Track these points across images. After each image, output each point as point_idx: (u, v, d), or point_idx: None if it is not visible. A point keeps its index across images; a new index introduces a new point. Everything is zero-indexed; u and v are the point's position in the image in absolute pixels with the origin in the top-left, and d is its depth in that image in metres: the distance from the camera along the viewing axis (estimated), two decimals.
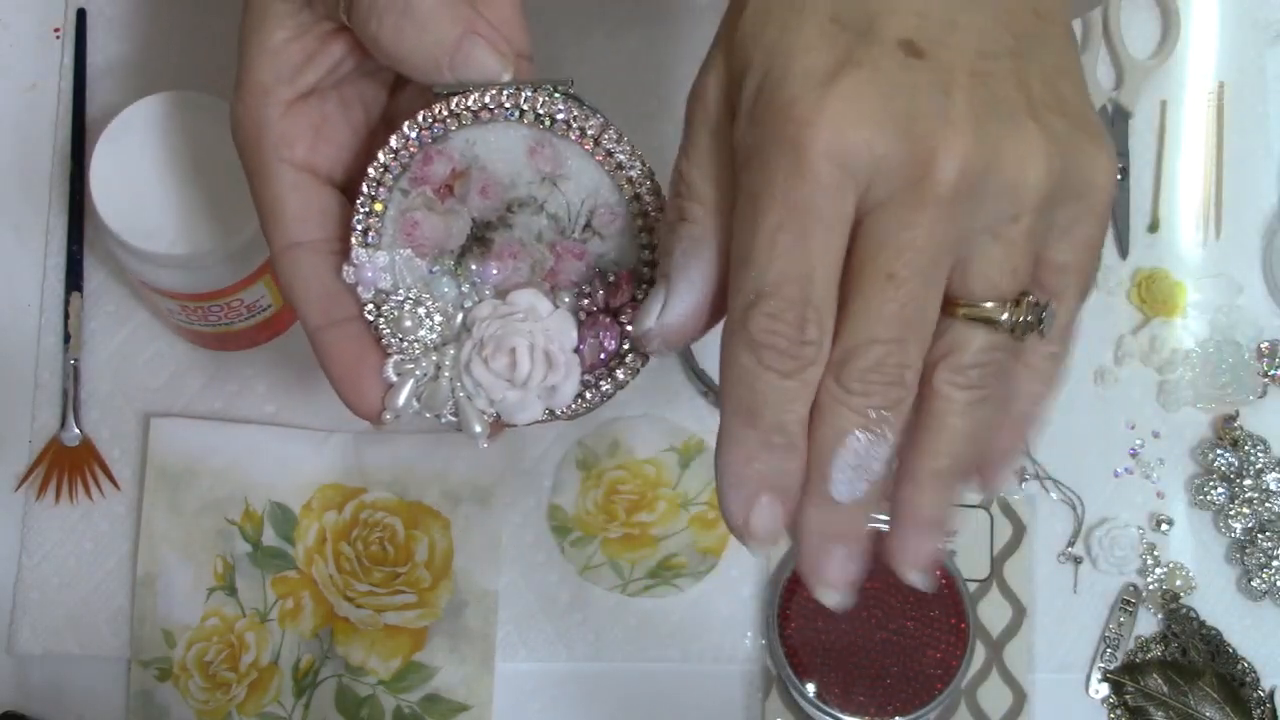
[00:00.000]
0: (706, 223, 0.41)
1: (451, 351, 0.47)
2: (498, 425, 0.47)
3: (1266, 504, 0.74)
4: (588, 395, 0.47)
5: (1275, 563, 0.73)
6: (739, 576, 0.73)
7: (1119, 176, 0.78)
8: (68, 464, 0.72)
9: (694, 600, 0.72)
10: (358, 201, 0.46)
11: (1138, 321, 0.77)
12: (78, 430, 0.72)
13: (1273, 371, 0.76)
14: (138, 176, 0.63)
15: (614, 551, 0.73)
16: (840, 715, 0.70)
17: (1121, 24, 0.81)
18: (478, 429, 0.47)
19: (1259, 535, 0.73)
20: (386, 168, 0.46)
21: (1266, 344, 0.76)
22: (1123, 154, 0.79)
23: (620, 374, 0.46)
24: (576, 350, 0.46)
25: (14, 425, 0.73)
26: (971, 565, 0.73)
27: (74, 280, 0.74)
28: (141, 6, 0.78)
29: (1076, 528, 0.74)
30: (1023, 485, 0.74)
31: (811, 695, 0.70)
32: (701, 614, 0.72)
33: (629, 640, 0.72)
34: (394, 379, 0.47)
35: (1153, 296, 0.76)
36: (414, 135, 0.46)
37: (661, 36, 0.78)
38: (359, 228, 0.46)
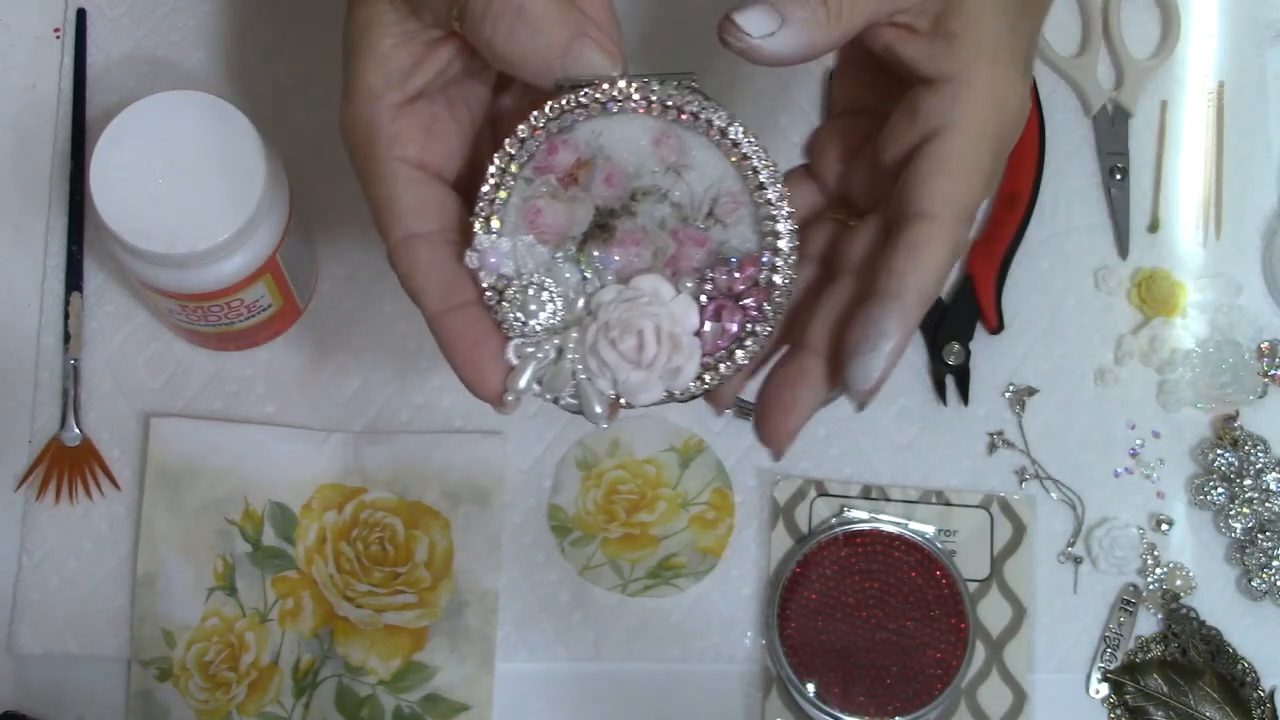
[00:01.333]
0: None
1: (575, 334, 0.48)
2: (614, 406, 0.48)
3: (1266, 504, 0.74)
4: (706, 377, 0.48)
5: (1275, 563, 0.73)
6: (739, 576, 0.73)
7: (1118, 176, 0.78)
8: (68, 464, 0.72)
9: (694, 600, 0.72)
10: (481, 189, 0.48)
11: (1138, 321, 0.77)
12: (78, 430, 0.72)
13: (1273, 371, 0.76)
14: (138, 176, 0.63)
15: (614, 551, 0.73)
16: (840, 715, 0.70)
17: (1121, 24, 0.81)
18: (598, 409, 0.48)
19: (1259, 535, 0.73)
20: (512, 156, 0.48)
21: (1266, 344, 0.76)
22: (1122, 154, 0.79)
23: (739, 355, 0.48)
24: (698, 333, 0.48)
25: (14, 425, 0.73)
26: (971, 565, 0.73)
27: (74, 280, 0.74)
28: (141, 6, 0.78)
29: (1076, 528, 0.74)
30: (1023, 485, 0.74)
31: (811, 695, 0.70)
32: (701, 614, 0.72)
33: (629, 640, 0.72)
34: (515, 361, 0.48)
35: (1153, 296, 0.76)
36: (541, 125, 0.47)
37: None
38: (482, 214, 0.48)
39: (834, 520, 0.73)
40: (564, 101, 0.47)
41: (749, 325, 0.48)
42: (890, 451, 0.75)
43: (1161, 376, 0.76)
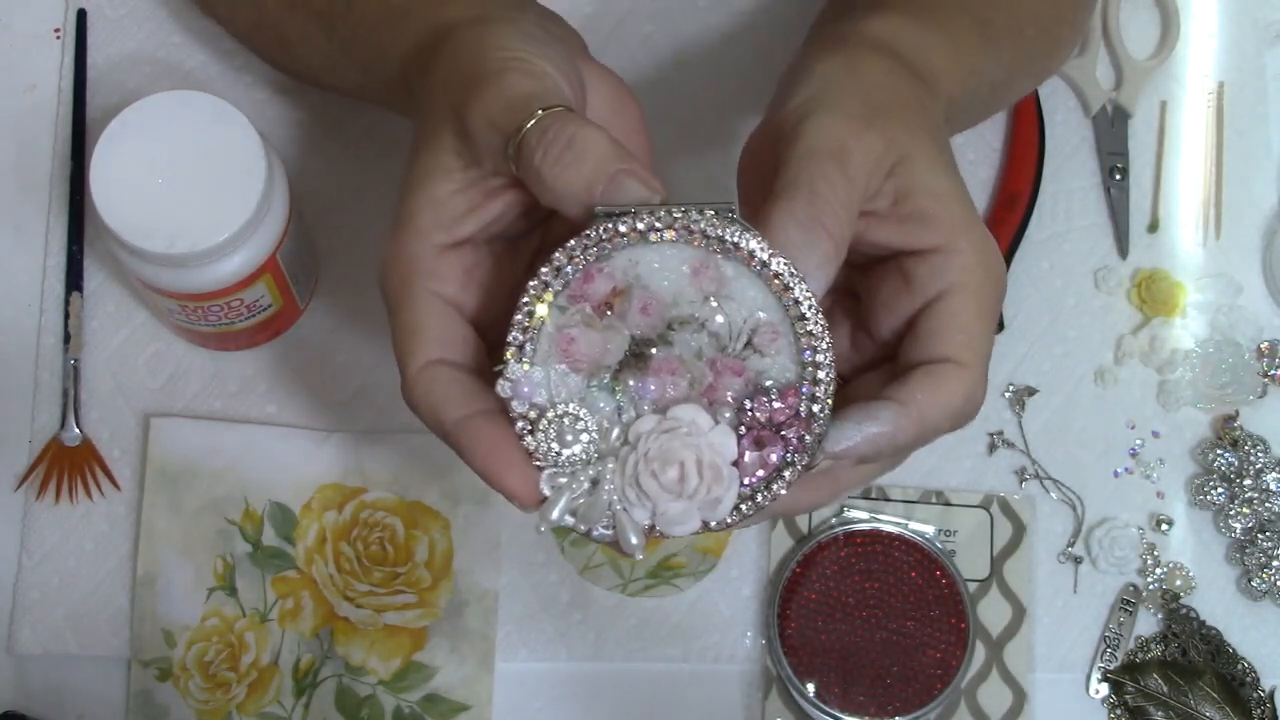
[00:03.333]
0: None
1: (612, 465, 0.47)
2: (649, 536, 0.48)
3: (1266, 504, 0.74)
4: (743, 508, 0.48)
5: (1275, 563, 0.73)
6: (739, 576, 0.73)
7: (1118, 176, 0.78)
8: (68, 464, 0.72)
9: (694, 600, 0.72)
10: (515, 316, 0.47)
11: (1138, 321, 0.77)
12: (78, 430, 0.72)
13: (1273, 371, 0.76)
14: (138, 177, 0.63)
15: (614, 552, 0.72)
16: (840, 715, 0.70)
17: (1121, 24, 0.81)
18: (634, 540, 0.47)
19: (1259, 535, 0.73)
20: (547, 283, 0.47)
21: (1266, 344, 0.76)
22: (1123, 154, 0.79)
23: (776, 486, 0.47)
24: (735, 464, 0.47)
25: (14, 425, 0.73)
26: (971, 565, 0.73)
27: (74, 280, 0.74)
28: (141, 6, 0.78)
29: (1076, 528, 0.74)
30: (1023, 485, 0.74)
31: (811, 695, 0.70)
32: (701, 614, 0.72)
33: (629, 640, 0.72)
34: (548, 493, 0.47)
35: (1153, 296, 0.76)
36: (578, 253, 0.47)
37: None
38: (514, 343, 0.47)
39: (834, 520, 0.73)
40: (601, 230, 0.47)
41: (788, 456, 0.47)
42: None
43: (1161, 376, 0.76)
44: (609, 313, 0.48)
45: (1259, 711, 0.71)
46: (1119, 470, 0.75)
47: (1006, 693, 0.71)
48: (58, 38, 0.78)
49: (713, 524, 0.47)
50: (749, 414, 0.47)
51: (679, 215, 0.47)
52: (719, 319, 0.47)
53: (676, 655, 0.72)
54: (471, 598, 0.71)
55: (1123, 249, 0.78)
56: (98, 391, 0.73)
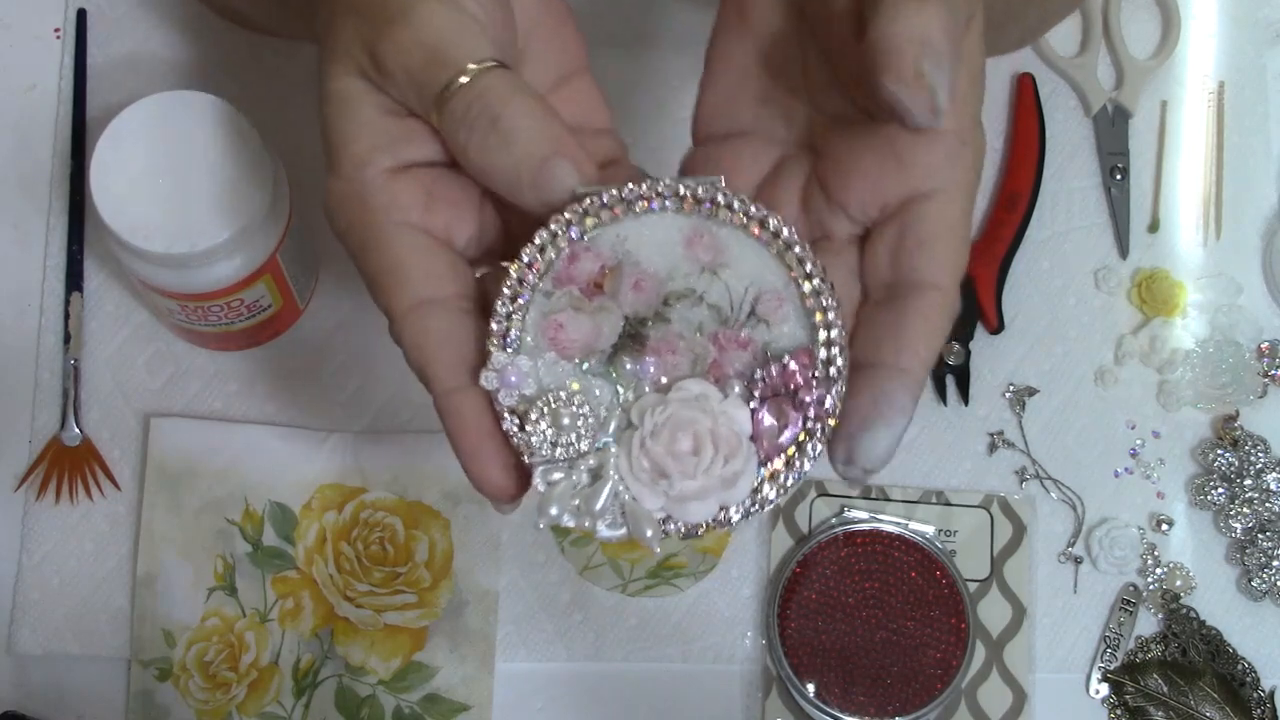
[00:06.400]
0: None
1: (615, 450, 0.43)
2: (662, 529, 0.44)
3: (1266, 504, 0.74)
4: (765, 489, 0.44)
5: (1275, 563, 0.73)
6: (739, 576, 0.73)
7: (1118, 176, 0.78)
8: (68, 464, 0.72)
9: (694, 600, 0.72)
10: (496, 303, 0.44)
11: (1138, 321, 0.77)
12: (78, 430, 0.72)
13: (1273, 371, 0.76)
14: (138, 177, 0.63)
15: (614, 551, 0.73)
16: (840, 715, 0.70)
17: (1121, 24, 0.81)
18: (649, 533, 0.43)
19: (1259, 535, 0.73)
20: (529, 265, 0.44)
21: (1266, 344, 0.76)
22: (1123, 154, 0.79)
23: (801, 462, 0.44)
24: (752, 439, 0.43)
25: (14, 425, 0.73)
26: (971, 565, 0.73)
27: (74, 280, 0.74)
28: (141, 6, 0.78)
29: (1076, 528, 0.74)
30: (1023, 485, 0.74)
31: (811, 695, 0.70)
32: (701, 614, 0.72)
33: (629, 640, 0.72)
34: (542, 489, 0.43)
35: (1153, 296, 0.76)
36: (560, 231, 0.44)
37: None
38: (497, 330, 0.44)
39: (834, 520, 0.73)
40: (586, 204, 0.43)
41: (810, 424, 0.43)
42: None
43: (1161, 376, 0.76)
44: (599, 293, 0.44)
45: (1259, 711, 0.71)
46: (1119, 470, 0.75)
47: (1006, 693, 0.71)
48: (58, 37, 0.78)
49: (732, 509, 0.43)
50: (761, 384, 0.43)
51: (668, 183, 0.44)
52: (718, 290, 0.44)
53: (676, 655, 0.72)
54: (471, 598, 0.71)
55: (1123, 249, 0.78)
56: (98, 391, 0.73)
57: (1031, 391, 0.76)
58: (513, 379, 0.43)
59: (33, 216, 0.76)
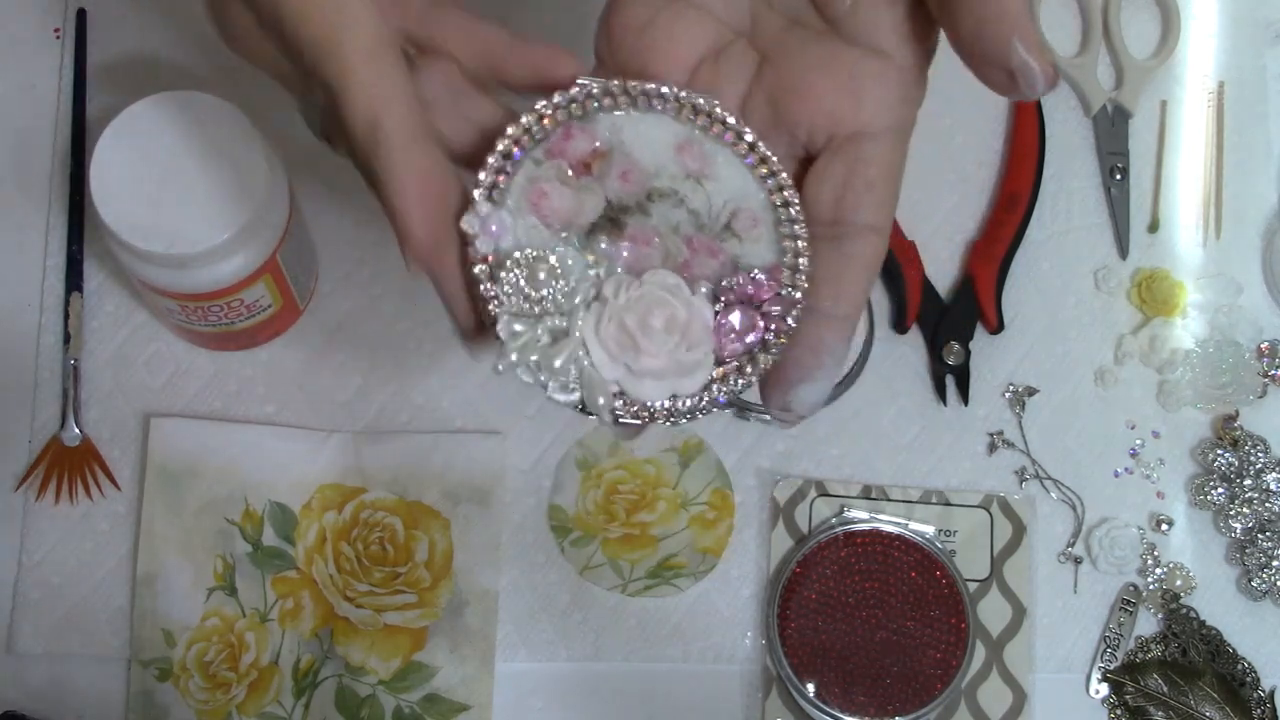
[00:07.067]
0: None
1: (583, 314, 0.44)
2: (620, 413, 0.45)
3: (1266, 504, 0.74)
4: (714, 388, 0.45)
5: (1275, 563, 0.73)
6: (739, 576, 0.73)
7: (1118, 176, 0.78)
8: (68, 464, 0.72)
9: (694, 600, 0.72)
10: (488, 159, 0.45)
11: (1138, 321, 0.77)
12: (78, 430, 0.72)
13: (1273, 371, 0.76)
14: (138, 176, 0.63)
15: (614, 551, 0.73)
16: (840, 715, 0.70)
17: (1121, 24, 0.81)
18: (601, 400, 0.44)
19: (1259, 535, 0.73)
20: (528, 130, 0.45)
21: (1266, 344, 0.76)
22: (1123, 154, 0.79)
23: (751, 369, 0.45)
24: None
25: (14, 425, 0.73)
26: (971, 565, 0.73)
27: (74, 280, 0.74)
28: (141, 6, 0.78)
29: (1076, 528, 0.74)
30: (1023, 485, 0.74)
31: (811, 695, 0.70)
32: (701, 614, 0.72)
33: (629, 640, 0.72)
34: (504, 337, 0.44)
35: (1153, 296, 0.76)
36: (562, 105, 0.45)
37: None
38: (485, 184, 0.45)
39: (834, 520, 0.73)
40: (591, 86, 0.45)
41: (769, 335, 0.45)
42: (890, 451, 0.75)
43: (1161, 376, 0.76)
44: (586, 173, 0.45)
45: (1259, 711, 0.71)
46: (1119, 470, 0.75)
47: (1006, 693, 0.71)
48: (58, 38, 0.78)
49: (682, 400, 0.45)
50: (729, 290, 0.45)
51: (670, 89, 0.45)
52: (699, 198, 0.46)
53: (676, 655, 0.72)
54: (471, 598, 0.71)
55: (1123, 249, 0.78)
56: (98, 391, 0.73)
57: (1031, 391, 0.76)
58: (493, 228, 0.44)
59: (33, 216, 0.76)
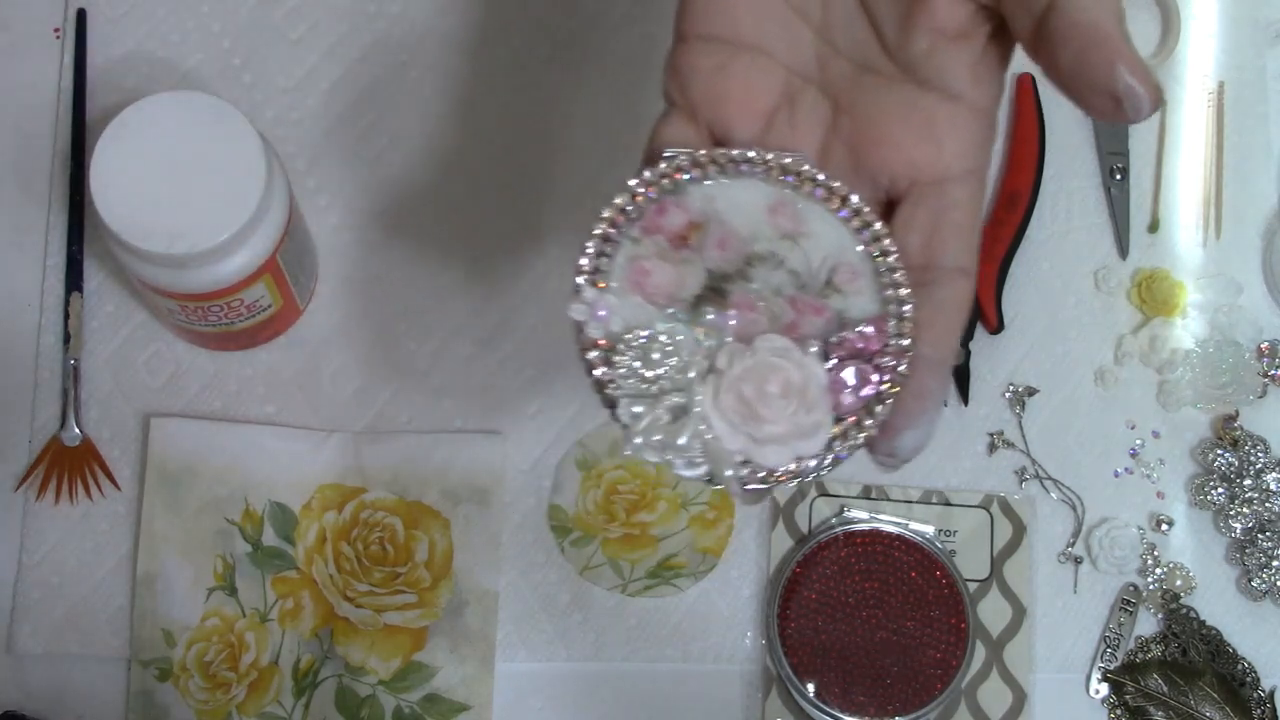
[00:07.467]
0: None
1: (700, 389, 0.45)
2: (747, 480, 0.45)
3: (1266, 504, 0.74)
4: (835, 445, 0.45)
5: (1275, 563, 0.73)
6: (739, 576, 0.73)
7: (1118, 176, 0.78)
8: (68, 464, 0.72)
9: (694, 600, 0.72)
10: (586, 245, 0.46)
11: (1138, 321, 0.77)
12: (78, 430, 0.72)
13: (1273, 371, 0.76)
14: (138, 176, 0.63)
15: (614, 551, 0.73)
16: (840, 715, 0.70)
17: None
18: (728, 472, 0.44)
19: (1259, 535, 0.73)
20: (623, 210, 0.46)
21: (1266, 344, 0.76)
22: (1123, 154, 0.79)
23: (868, 422, 0.45)
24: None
25: (14, 425, 0.73)
26: (971, 565, 0.73)
27: (74, 280, 0.74)
28: (141, 6, 0.78)
29: (1076, 528, 0.74)
30: (1023, 485, 0.74)
31: (811, 695, 0.70)
32: (701, 614, 0.72)
33: (629, 640, 0.72)
34: (628, 421, 0.44)
35: (1153, 296, 0.76)
36: (653, 183, 0.46)
37: None
38: (586, 269, 0.45)
39: (834, 520, 0.73)
40: (679, 159, 0.46)
41: (882, 386, 0.45)
42: None
43: (1161, 376, 0.76)
44: (684, 246, 0.46)
45: (1259, 711, 0.71)
46: (1119, 470, 0.75)
47: (1006, 693, 0.71)
48: (58, 38, 0.78)
49: (808, 460, 0.45)
50: (837, 346, 0.45)
51: (758, 152, 0.46)
52: (798, 257, 0.46)
53: (676, 655, 0.72)
54: (471, 598, 0.71)
55: (1123, 249, 0.78)
56: (98, 391, 0.73)
57: (1031, 391, 0.76)
58: (602, 313, 0.45)
59: (33, 216, 0.75)
